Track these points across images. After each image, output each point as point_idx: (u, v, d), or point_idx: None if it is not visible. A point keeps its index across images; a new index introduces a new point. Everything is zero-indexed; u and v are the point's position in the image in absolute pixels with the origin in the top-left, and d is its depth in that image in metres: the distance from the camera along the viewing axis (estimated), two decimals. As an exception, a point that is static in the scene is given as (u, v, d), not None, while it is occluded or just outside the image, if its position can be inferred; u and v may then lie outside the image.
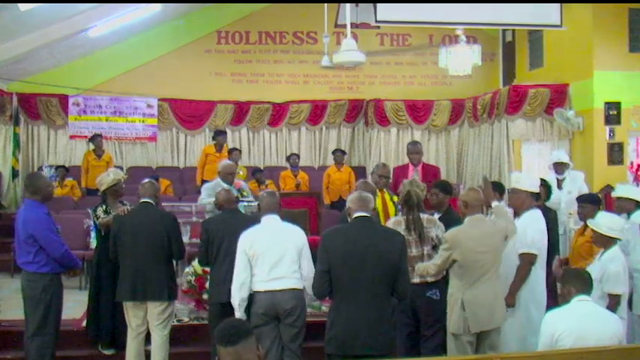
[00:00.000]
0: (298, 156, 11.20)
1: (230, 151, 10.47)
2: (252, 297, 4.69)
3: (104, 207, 5.79)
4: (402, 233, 4.38)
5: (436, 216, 5.42)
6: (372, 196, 4.68)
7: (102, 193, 5.90)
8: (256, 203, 7.00)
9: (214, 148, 10.71)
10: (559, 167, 7.44)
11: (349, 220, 4.11)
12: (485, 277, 4.47)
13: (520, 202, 5.06)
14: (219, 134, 10.86)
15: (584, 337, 3.70)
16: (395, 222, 4.80)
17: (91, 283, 5.92)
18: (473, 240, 4.46)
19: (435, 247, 4.77)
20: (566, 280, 4.00)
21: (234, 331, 2.62)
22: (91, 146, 10.90)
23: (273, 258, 4.59)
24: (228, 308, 5.13)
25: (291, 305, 4.58)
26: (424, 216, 4.82)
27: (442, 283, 4.76)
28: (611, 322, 3.87)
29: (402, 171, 7.06)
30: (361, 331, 3.84)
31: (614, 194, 5.99)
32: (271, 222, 4.76)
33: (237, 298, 4.67)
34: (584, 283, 3.92)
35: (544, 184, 6.14)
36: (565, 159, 7.55)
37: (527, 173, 5.69)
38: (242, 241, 4.69)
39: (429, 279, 4.70)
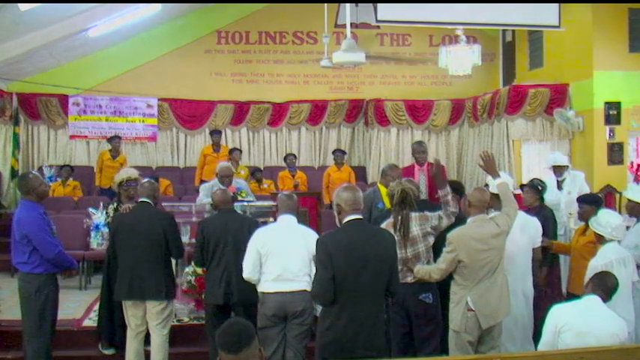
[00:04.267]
0: (295, 156, 11.20)
1: (231, 151, 10.53)
2: (261, 298, 4.69)
3: (115, 205, 5.83)
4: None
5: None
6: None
7: (117, 190, 5.99)
8: (256, 203, 7.06)
9: (212, 148, 10.78)
10: (557, 169, 7.42)
11: (337, 218, 4.03)
12: (490, 275, 4.52)
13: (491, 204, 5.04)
14: (214, 134, 11.00)
15: (585, 333, 3.77)
16: (387, 224, 4.78)
17: (103, 284, 5.91)
18: (476, 240, 4.49)
19: (428, 236, 4.75)
20: (591, 279, 4.09)
21: (237, 339, 2.56)
22: (108, 146, 10.99)
23: (284, 258, 4.59)
24: (224, 310, 5.14)
25: (302, 307, 4.58)
26: (416, 214, 4.80)
27: (435, 286, 4.77)
28: (613, 321, 3.90)
29: (408, 172, 7.09)
30: (361, 332, 3.82)
31: (625, 194, 6.00)
32: (287, 222, 4.75)
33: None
34: (601, 286, 3.98)
35: (538, 185, 6.13)
36: (563, 161, 7.50)
37: (504, 174, 5.64)
38: (255, 238, 4.69)
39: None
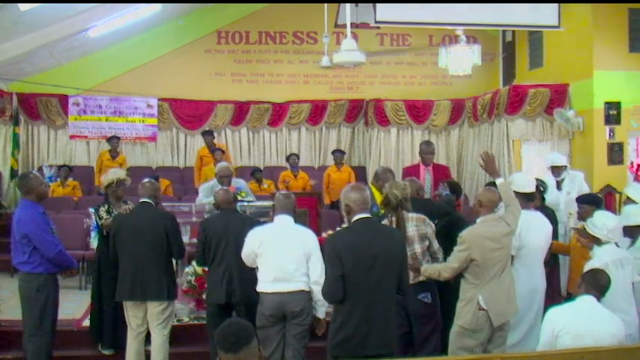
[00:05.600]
0: (298, 156, 11.18)
1: (212, 151, 10.44)
2: (260, 298, 4.70)
3: (106, 207, 5.81)
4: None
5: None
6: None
7: (104, 192, 5.94)
8: (256, 203, 7.07)
9: (208, 149, 10.77)
10: (556, 170, 7.41)
11: (346, 218, 4.06)
12: (499, 273, 4.56)
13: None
14: (204, 135, 10.96)
15: (583, 335, 3.76)
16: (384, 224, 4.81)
17: (94, 283, 5.92)
18: (489, 239, 4.53)
19: (429, 247, 4.80)
20: (583, 278, 4.08)
21: (235, 338, 2.57)
22: (108, 147, 11.06)
23: (279, 258, 4.59)
24: (226, 309, 5.15)
25: (300, 307, 4.58)
26: (413, 215, 4.81)
27: (434, 286, 4.78)
28: (610, 321, 3.90)
29: (413, 171, 7.12)
30: (373, 330, 3.84)
31: (626, 191, 6.01)
32: (283, 222, 4.75)
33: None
34: (595, 286, 3.98)
35: (539, 186, 6.15)
36: (561, 162, 7.49)
37: (522, 174, 5.72)
38: (251, 239, 4.70)
39: (421, 278, 4.74)
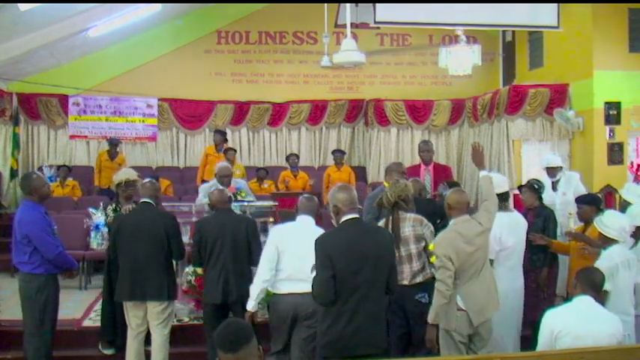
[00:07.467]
0: (297, 156, 11.19)
1: (225, 151, 10.45)
2: (273, 299, 4.70)
3: (114, 206, 5.84)
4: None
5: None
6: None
7: (115, 190, 6.02)
8: (256, 203, 7.06)
9: (215, 148, 10.77)
10: (551, 171, 7.37)
11: (334, 219, 4.03)
12: (477, 273, 4.55)
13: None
14: (215, 133, 10.95)
15: (583, 336, 3.75)
16: (381, 223, 4.84)
17: (105, 283, 5.91)
18: (462, 241, 4.50)
19: (425, 248, 4.80)
20: (577, 278, 4.06)
21: (235, 337, 2.56)
22: (107, 147, 11.10)
23: (298, 257, 4.57)
24: (222, 309, 5.15)
25: (312, 309, 4.54)
26: (410, 215, 4.81)
27: (431, 286, 4.78)
28: (610, 321, 3.89)
29: (413, 171, 7.12)
30: (362, 331, 3.83)
31: (620, 192, 6.02)
32: (304, 222, 4.75)
33: (258, 289, 4.67)
34: (591, 285, 3.96)
35: (534, 185, 6.16)
36: (556, 163, 7.46)
37: (495, 173, 5.68)
38: (273, 235, 4.72)
39: (418, 279, 4.76)
